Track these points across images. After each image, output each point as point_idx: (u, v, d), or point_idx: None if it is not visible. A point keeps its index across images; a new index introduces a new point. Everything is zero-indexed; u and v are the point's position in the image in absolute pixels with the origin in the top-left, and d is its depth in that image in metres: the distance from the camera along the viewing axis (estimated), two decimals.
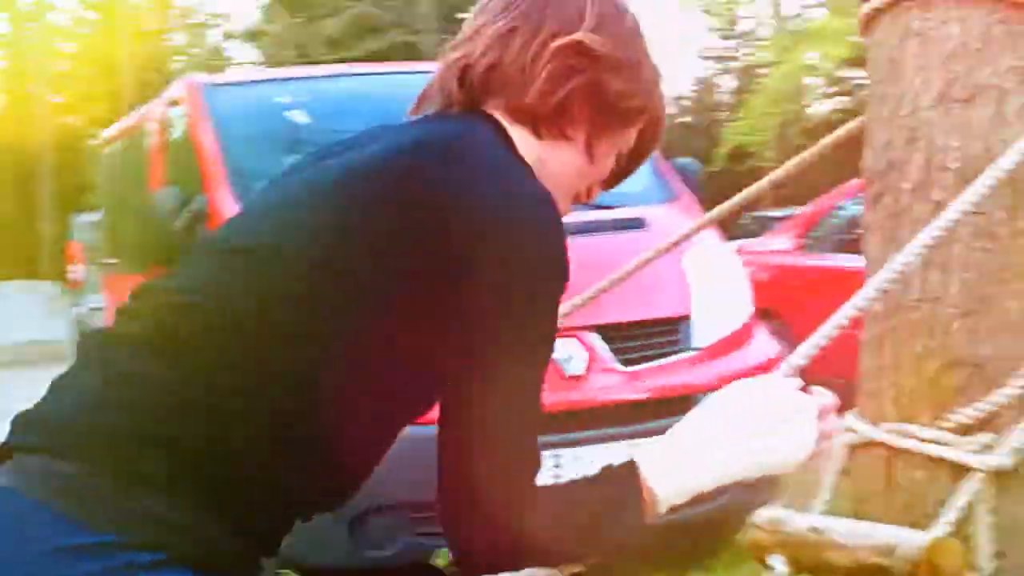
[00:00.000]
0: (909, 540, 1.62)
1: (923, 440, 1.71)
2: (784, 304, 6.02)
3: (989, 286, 1.67)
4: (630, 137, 1.37)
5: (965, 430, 1.68)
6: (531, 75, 1.27)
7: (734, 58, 29.72)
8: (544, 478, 1.17)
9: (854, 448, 1.82)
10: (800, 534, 1.77)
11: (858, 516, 1.81)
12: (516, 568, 1.15)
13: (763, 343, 3.97)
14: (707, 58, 30.63)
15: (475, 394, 1.11)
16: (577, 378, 3.56)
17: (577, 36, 1.29)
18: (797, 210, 8.51)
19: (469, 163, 1.18)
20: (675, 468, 1.21)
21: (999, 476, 1.66)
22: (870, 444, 1.78)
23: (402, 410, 1.21)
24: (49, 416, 1.13)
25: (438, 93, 1.32)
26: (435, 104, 1.32)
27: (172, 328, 1.14)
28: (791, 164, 2.09)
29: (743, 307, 3.97)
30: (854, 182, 6.71)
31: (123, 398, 1.11)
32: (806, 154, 2.05)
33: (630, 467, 1.20)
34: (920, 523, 1.69)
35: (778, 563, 1.78)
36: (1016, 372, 1.66)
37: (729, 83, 30.87)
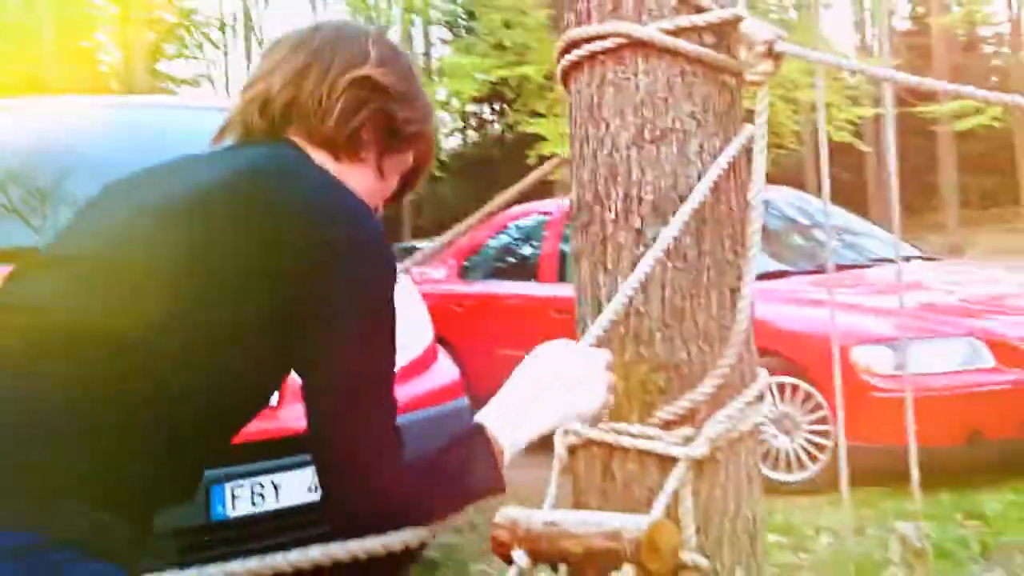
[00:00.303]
0: (632, 524, 1.85)
1: (634, 436, 1.96)
2: (447, 329, 6.31)
3: (682, 301, 1.94)
4: (410, 158, 1.60)
5: (669, 426, 1.94)
6: (328, 107, 1.45)
7: None
8: (245, 508, 1.34)
9: (574, 448, 2.05)
10: (537, 528, 1.96)
11: (580, 508, 2.04)
12: (395, 528, 1.28)
13: (445, 366, 4.19)
14: None
15: (337, 377, 1.28)
16: (272, 409, 3.61)
17: (365, 71, 1.46)
18: (436, 240, 8.96)
19: (303, 182, 1.34)
20: (512, 423, 1.44)
21: (699, 464, 1.94)
22: (588, 443, 2.01)
23: (247, 405, 1.31)
24: None
25: (239, 124, 1.43)
26: (235, 133, 1.44)
27: (22, 346, 1.18)
28: (501, 199, 2.30)
29: (425, 333, 4.17)
30: (503, 215, 7.14)
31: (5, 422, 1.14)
32: (515, 187, 2.27)
33: (477, 428, 1.41)
34: (636, 510, 1.93)
35: (520, 557, 1.97)
36: (708, 374, 1.94)
37: None
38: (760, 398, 2.03)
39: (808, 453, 5.34)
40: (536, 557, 1.97)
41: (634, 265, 1.92)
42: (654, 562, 1.81)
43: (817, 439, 5.31)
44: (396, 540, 1.35)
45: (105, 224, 1.34)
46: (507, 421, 1.45)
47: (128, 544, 1.20)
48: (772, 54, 1.92)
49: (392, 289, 1.34)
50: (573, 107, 2.07)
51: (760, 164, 1.92)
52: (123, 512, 1.20)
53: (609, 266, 1.98)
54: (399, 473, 1.31)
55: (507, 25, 19.61)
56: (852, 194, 25.62)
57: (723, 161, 1.90)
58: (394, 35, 27.79)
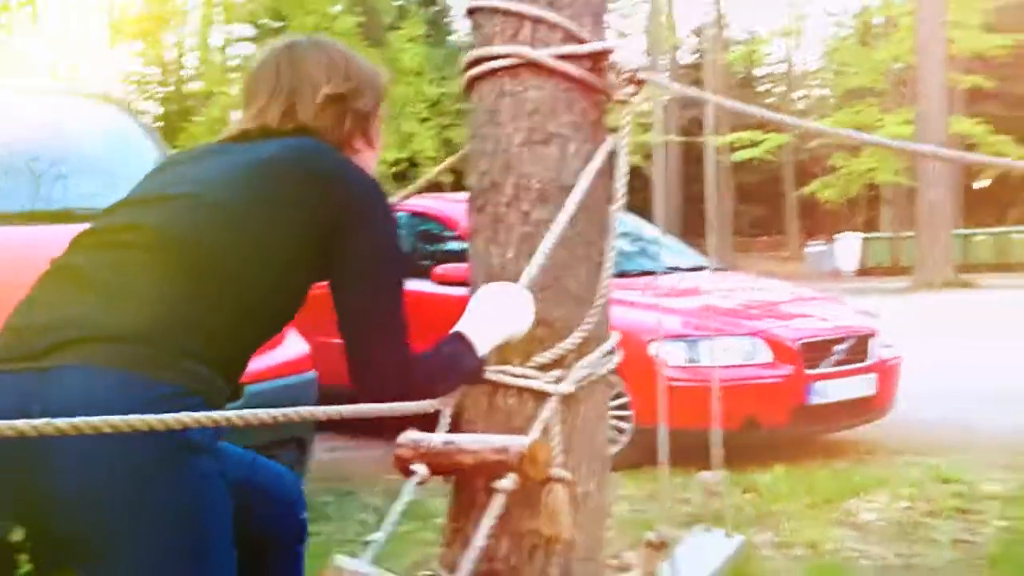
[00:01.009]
0: (516, 443, 2.35)
1: (515, 376, 2.45)
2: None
3: (558, 270, 2.44)
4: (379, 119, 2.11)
5: (543, 369, 2.44)
6: (321, 127, 1.94)
7: (164, 84, 29.75)
8: None
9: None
10: (436, 447, 2.43)
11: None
12: (412, 399, 1.84)
13: (295, 342, 4.58)
14: (129, 83, 30.44)
15: (370, 296, 1.80)
16: None
17: (328, 90, 1.92)
18: None
19: (337, 159, 1.80)
20: (479, 331, 2.00)
21: (566, 399, 2.44)
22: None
23: (288, 314, 1.85)
24: (81, 315, 1.53)
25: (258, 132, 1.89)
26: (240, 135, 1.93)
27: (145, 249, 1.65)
28: (414, 188, 2.76)
29: None
30: None
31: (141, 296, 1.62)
32: (423, 180, 2.73)
33: (457, 334, 1.97)
34: (516, 433, 2.42)
35: (420, 469, 2.43)
36: (576, 329, 2.45)
37: (155, 109, 30.82)
38: (612, 352, 2.56)
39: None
40: (434, 470, 2.44)
41: (522, 240, 2.42)
42: (533, 472, 2.32)
43: (618, 423, 5.95)
44: (414, 407, 1.92)
45: (197, 176, 1.78)
46: (477, 329, 2.02)
47: (222, 396, 1.68)
48: (635, 80, 2.46)
49: (399, 242, 1.87)
50: (473, 112, 2.55)
51: (622, 164, 2.45)
52: (223, 373, 1.69)
53: (501, 241, 2.47)
54: (414, 366, 1.87)
55: (316, 29, 19.87)
56: (641, 213, 26.95)
57: (597, 161, 2.43)
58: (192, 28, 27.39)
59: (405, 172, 19.88)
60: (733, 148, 31.38)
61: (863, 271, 28.34)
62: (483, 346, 2.03)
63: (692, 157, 29.66)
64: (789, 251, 35.25)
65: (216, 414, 1.41)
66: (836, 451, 6.52)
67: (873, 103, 33.81)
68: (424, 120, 18.88)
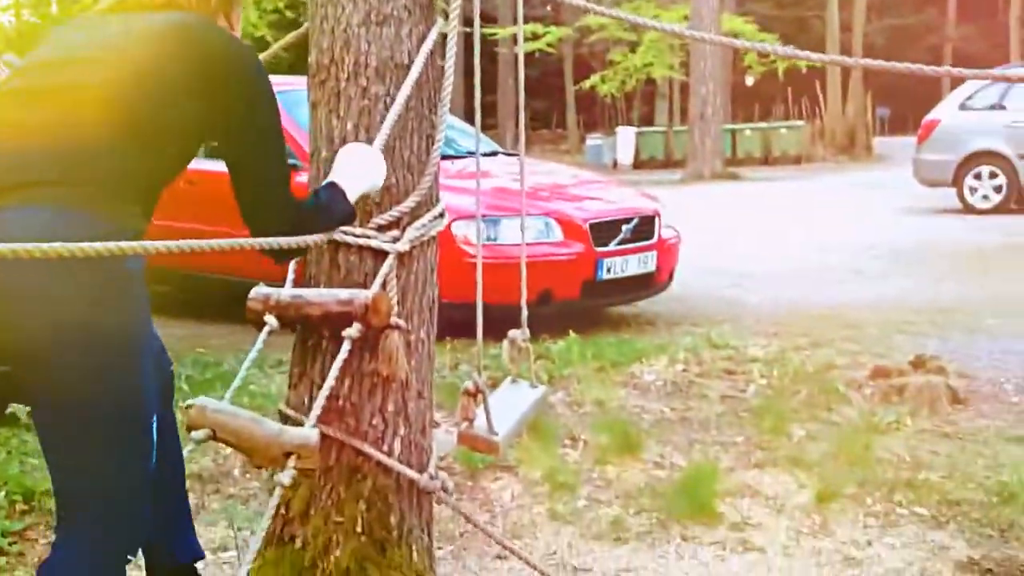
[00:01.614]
0: (360, 295, 2.63)
1: (356, 236, 2.71)
2: None
3: (394, 142, 2.70)
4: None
5: (381, 230, 2.71)
6: (188, 2, 2.14)
7: None
8: None
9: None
10: (285, 300, 2.68)
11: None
12: (299, 233, 2.12)
13: None
14: None
15: (260, 149, 2.04)
16: None
17: None
18: None
19: (217, 30, 1.99)
20: (347, 182, 2.28)
21: (401, 257, 2.73)
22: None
23: (193, 152, 2.06)
24: (22, 162, 1.72)
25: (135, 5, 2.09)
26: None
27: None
28: None
29: None
30: None
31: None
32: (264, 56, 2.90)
33: (331, 183, 2.26)
34: (356, 287, 2.70)
35: (271, 320, 2.67)
36: (411, 194, 2.73)
37: None
38: (442, 215, 2.85)
39: None
40: (283, 321, 2.69)
41: (360, 113, 2.66)
42: (375, 321, 2.61)
43: None
44: (300, 241, 2.18)
45: (96, 42, 1.94)
46: (346, 178, 2.31)
47: (144, 234, 1.90)
48: None
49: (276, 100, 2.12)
50: None
51: (452, 46, 2.72)
52: (144, 214, 1.92)
53: (341, 113, 2.70)
54: (300, 210, 2.17)
55: None
56: None
57: (429, 42, 2.68)
58: None
59: None
60: (515, 41, 31.63)
61: (639, 164, 29.42)
62: (352, 194, 2.30)
63: (484, 49, 29.83)
64: (569, 144, 36.11)
65: (151, 244, 1.61)
66: (621, 322, 7.07)
67: None
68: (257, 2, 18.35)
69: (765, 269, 9.17)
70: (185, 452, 2.64)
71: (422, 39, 2.71)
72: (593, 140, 30.42)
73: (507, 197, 6.38)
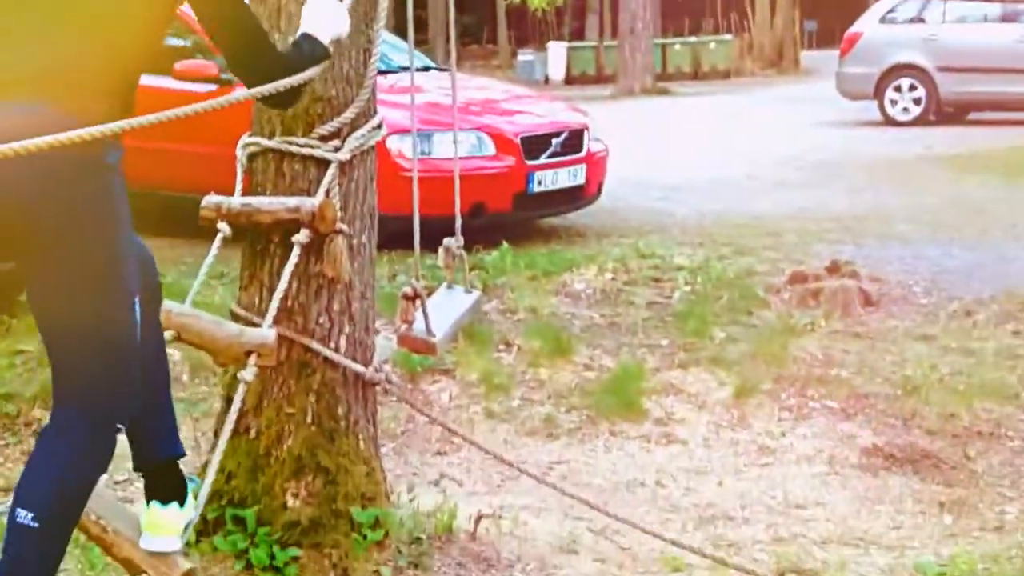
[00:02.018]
0: (307, 202, 2.80)
1: (300, 146, 2.87)
2: None
3: (334, 55, 2.84)
4: None
5: (323, 140, 2.87)
6: None
7: None
8: None
9: (254, 155, 2.92)
10: (236, 208, 2.84)
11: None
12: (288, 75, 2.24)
13: None
14: None
15: (239, 6, 2.21)
16: None
17: None
18: None
19: None
20: (318, 29, 2.41)
21: (342, 165, 2.89)
22: (266, 151, 2.89)
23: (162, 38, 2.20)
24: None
25: None
26: None
27: None
28: None
29: None
30: None
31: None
32: None
33: (304, 34, 2.39)
34: (300, 195, 2.86)
35: (223, 227, 2.84)
36: (349, 106, 2.88)
37: None
38: (379, 126, 3.01)
39: None
40: (234, 228, 2.86)
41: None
42: (322, 227, 2.79)
43: None
44: (293, 81, 2.27)
45: None
46: (316, 27, 2.44)
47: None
48: None
49: None
50: None
51: None
52: (120, 108, 2.02)
53: (282, 29, 2.83)
54: (284, 54, 2.36)
55: None
56: None
57: None
58: None
59: None
60: None
61: (570, 79, 29.44)
62: (325, 39, 2.45)
63: None
64: (500, 60, 35.94)
65: (117, 124, 1.73)
66: (552, 234, 7.28)
67: None
68: None
69: (692, 181, 9.41)
70: None
71: None
72: (524, 56, 30.33)
73: (439, 112, 6.50)
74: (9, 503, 2.03)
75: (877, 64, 13.90)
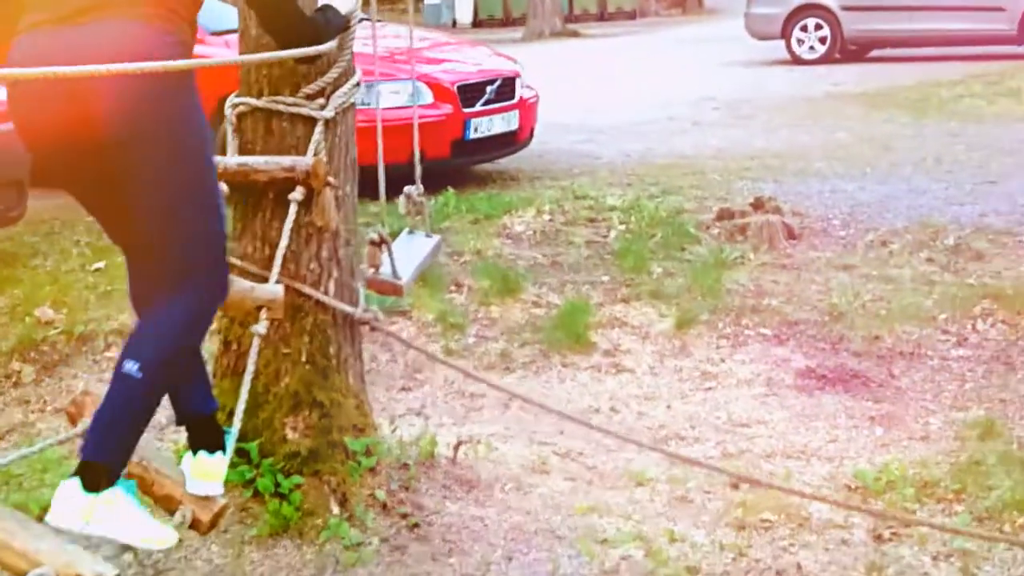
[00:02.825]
0: (302, 160, 3.00)
1: (288, 105, 3.06)
2: None
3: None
4: None
5: (309, 98, 3.06)
6: None
7: None
8: None
9: (242, 115, 3.10)
10: (233, 167, 3.02)
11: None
12: (313, 44, 2.56)
13: None
14: None
15: None
16: None
17: None
18: None
19: None
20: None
21: (328, 122, 3.08)
22: (255, 110, 3.07)
23: None
24: None
25: None
26: None
27: None
28: None
29: None
30: None
31: None
32: None
33: (324, 5, 2.65)
34: (288, 154, 3.05)
35: (222, 186, 3.01)
36: (334, 65, 3.07)
37: None
38: (359, 84, 3.20)
39: None
40: (232, 186, 3.03)
41: None
42: (315, 184, 3.00)
43: None
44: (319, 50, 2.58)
45: None
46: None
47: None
48: None
49: None
50: None
51: None
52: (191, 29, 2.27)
53: None
54: (312, 19, 2.65)
55: None
56: None
57: None
58: None
59: None
60: None
61: (478, 23, 29.44)
62: (344, 8, 2.76)
63: None
64: (405, 3, 35.72)
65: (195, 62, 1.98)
66: (488, 179, 7.51)
67: None
68: None
69: (613, 124, 9.68)
70: None
71: None
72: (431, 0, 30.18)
73: (381, 64, 6.65)
74: None
75: (783, 4, 14.31)
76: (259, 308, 2.73)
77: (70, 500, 2.18)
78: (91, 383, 4.16)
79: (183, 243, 2.26)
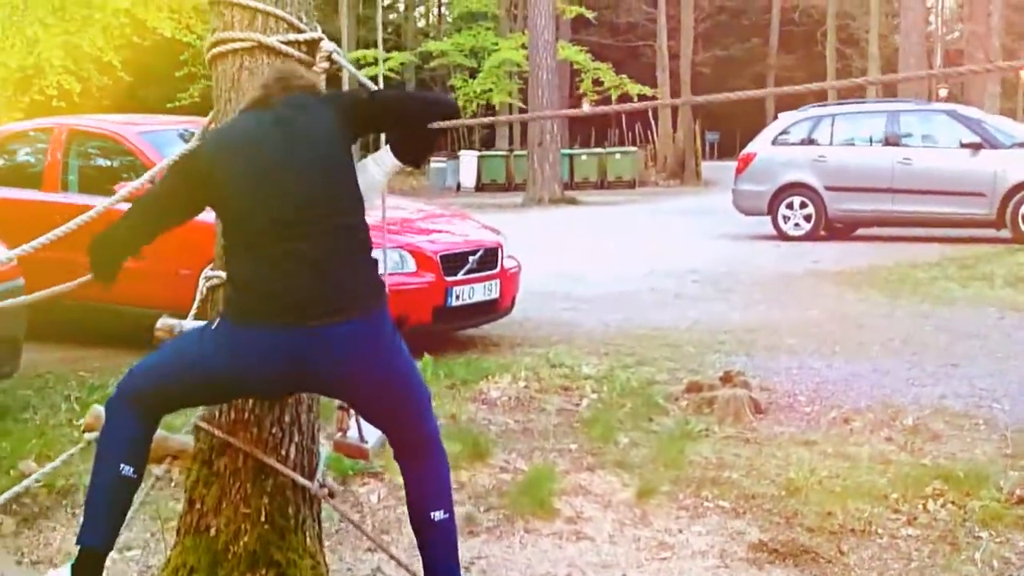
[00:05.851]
0: None
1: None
2: None
3: None
4: None
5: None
6: None
7: None
8: None
9: (215, 287, 3.34)
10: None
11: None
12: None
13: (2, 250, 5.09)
14: None
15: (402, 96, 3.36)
16: None
17: None
18: None
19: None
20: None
21: None
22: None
23: None
24: (322, 292, 2.86)
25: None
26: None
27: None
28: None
29: None
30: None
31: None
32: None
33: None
34: None
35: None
36: None
37: None
38: None
39: None
40: None
41: None
42: None
43: None
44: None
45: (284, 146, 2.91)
46: None
47: None
48: (330, 59, 3.34)
49: None
50: (219, 81, 3.34)
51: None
52: None
53: None
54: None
55: None
56: None
57: None
58: None
59: (31, 78, 19.13)
60: (359, 65, 32.12)
61: (481, 187, 30.26)
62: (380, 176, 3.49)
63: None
64: (412, 170, 36.72)
65: None
66: (469, 344, 7.75)
67: (488, 26, 35.90)
68: (48, 26, 18.17)
69: (598, 293, 9.99)
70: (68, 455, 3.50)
71: None
72: (437, 163, 31.09)
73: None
74: None
75: (770, 183, 14.82)
76: (172, 457, 2.97)
77: None
78: (68, 536, 4.31)
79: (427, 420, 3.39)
